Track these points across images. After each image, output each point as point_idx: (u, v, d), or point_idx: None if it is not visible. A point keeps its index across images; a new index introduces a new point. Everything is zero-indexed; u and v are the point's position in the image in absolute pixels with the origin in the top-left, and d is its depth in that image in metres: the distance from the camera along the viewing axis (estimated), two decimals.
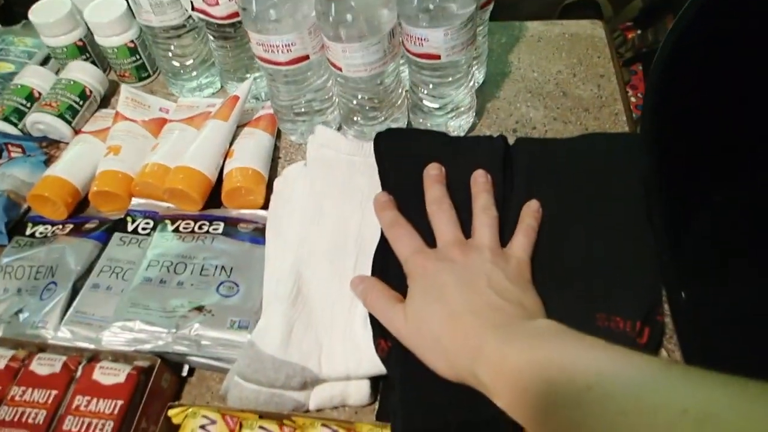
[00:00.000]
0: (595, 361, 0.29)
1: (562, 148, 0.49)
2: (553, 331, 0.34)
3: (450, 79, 0.51)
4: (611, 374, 0.28)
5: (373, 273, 0.43)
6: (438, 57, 0.48)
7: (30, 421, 0.38)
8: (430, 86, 0.52)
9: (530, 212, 0.44)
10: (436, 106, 0.53)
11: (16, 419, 0.38)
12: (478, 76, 0.61)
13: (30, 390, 0.39)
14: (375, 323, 0.40)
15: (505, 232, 0.43)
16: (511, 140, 0.51)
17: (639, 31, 0.96)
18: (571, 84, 0.61)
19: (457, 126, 0.55)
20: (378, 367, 0.39)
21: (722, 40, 0.46)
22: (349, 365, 0.39)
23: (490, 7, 0.55)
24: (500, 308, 0.36)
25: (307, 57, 0.50)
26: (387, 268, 0.43)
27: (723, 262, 0.46)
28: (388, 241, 0.43)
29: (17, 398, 0.39)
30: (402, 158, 0.49)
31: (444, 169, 0.47)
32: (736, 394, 0.25)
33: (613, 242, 0.42)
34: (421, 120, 0.55)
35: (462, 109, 0.54)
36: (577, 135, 0.53)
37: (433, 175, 0.46)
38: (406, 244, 0.42)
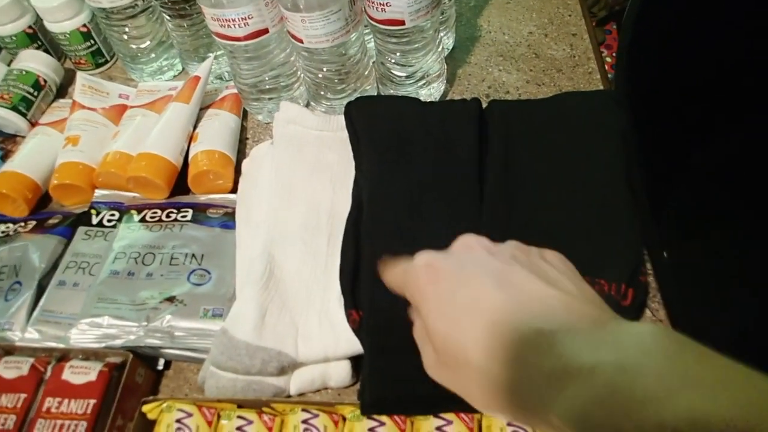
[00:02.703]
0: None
1: (537, 109, 0.48)
2: (676, 346, 0.21)
3: (417, 45, 0.49)
4: None
5: (343, 254, 0.42)
6: (402, 23, 0.46)
7: None
8: (397, 54, 0.50)
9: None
10: (405, 74, 0.51)
11: None
12: (447, 41, 0.59)
13: None
14: (346, 293, 0.39)
15: (485, 198, 0.42)
16: (484, 105, 0.49)
17: None
18: (543, 45, 0.59)
19: (428, 94, 0.53)
20: (356, 347, 0.38)
21: None
22: (326, 346, 0.38)
23: None
24: (556, 309, 0.24)
25: (266, 30, 0.47)
26: (359, 247, 0.42)
27: (703, 220, 0.45)
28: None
29: None
30: (374, 126, 0.47)
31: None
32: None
33: (593, 203, 0.41)
34: (391, 90, 0.53)
35: (432, 76, 0.52)
36: (551, 95, 0.51)
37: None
38: (391, 268, 0.31)
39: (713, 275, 0.43)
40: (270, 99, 0.54)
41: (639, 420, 0.19)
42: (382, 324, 0.36)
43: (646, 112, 0.46)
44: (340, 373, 0.39)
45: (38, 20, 0.60)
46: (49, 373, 0.39)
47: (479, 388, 0.24)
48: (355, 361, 0.39)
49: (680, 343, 0.21)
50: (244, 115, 0.57)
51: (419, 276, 0.28)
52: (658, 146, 0.45)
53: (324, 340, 0.38)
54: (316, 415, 0.35)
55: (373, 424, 0.34)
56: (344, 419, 0.35)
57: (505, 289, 0.25)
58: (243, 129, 0.56)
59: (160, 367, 0.42)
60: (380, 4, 0.45)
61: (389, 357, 0.36)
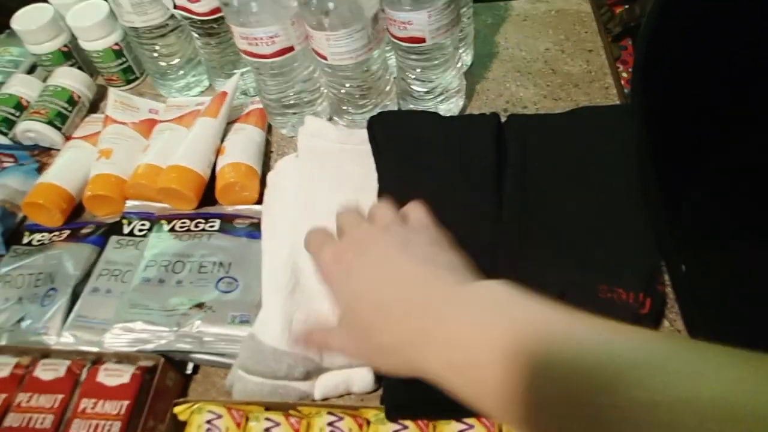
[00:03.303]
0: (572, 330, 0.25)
1: (554, 122, 0.49)
2: (505, 298, 0.28)
3: (437, 62, 0.51)
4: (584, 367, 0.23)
5: None
6: (423, 40, 0.48)
7: (38, 426, 0.38)
8: (418, 71, 0.51)
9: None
10: (425, 90, 0.53)
11: (23, 425, 0.38)
12: (466, 58, 0.60)
13: (36, 396, 0.40)
14: None
15: (504, 209, 0.43)
16: (503, 119, 0.51)
17: (626, 6, 0.95)
18: (559, 60, 0.61)
19: (447, 109, 0.55)
20: None
21: (708, 6, 0.46)
22: None
23: None
24: (428, 282, 0.30)
25: (291, 48, 0.49)
26: None
27: (720, 230, 0.46)
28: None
29: (23, 405, 0.39)
30: (396, 140, 0.49)
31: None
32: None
33: (609, 213, 0.42)
34: (411, 105, 0.55)
35: (451, 92, 0.54)
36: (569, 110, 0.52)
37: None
38: (314, 243, 0.36)
39: (730, 286, 0.44)
40: (294, 114, 0.56)
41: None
42: None
43: (662, 125, 0.46)
44: (363, 378, 0.40)
45: (73, 39, 0.63)
46: (84, 375, 0.40)
47: (370, 351, 0.32)
48: None
49: (517, 290, 0.28)
50: (269, 129, 0.59)
51: (326, 268, 0.35)
52: (674, 158, 0.46)
53: (338, 374, 0.40)
54: (341, 418, 0.36)
55: (396, 427, 0.35)
56: (368, 423, 0.36)
57: (386, 275, 0.32)
58: (268, 142, 0.57)
59: (189, 371, 0.43)
60: (402, 22, 0.47)
61: None
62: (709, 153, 0.48)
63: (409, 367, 0.29)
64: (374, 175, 0.49)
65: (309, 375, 0.40)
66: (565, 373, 0.23)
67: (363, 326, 0.32)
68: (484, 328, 0.27)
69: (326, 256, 0.35)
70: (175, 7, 0.54)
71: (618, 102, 0.56)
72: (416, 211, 0.37)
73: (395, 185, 0.46)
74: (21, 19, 0.61)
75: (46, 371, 0.41)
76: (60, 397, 0.39)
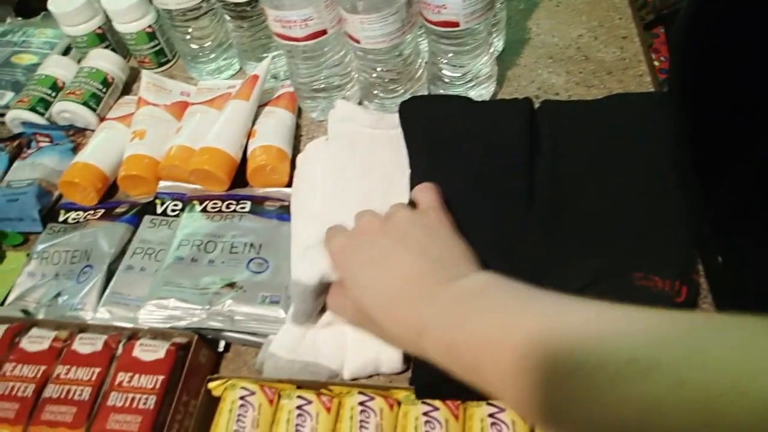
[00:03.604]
0: (532, 322, 0.27)
1: (588, 109, 0.49)
2: (492, 289, 0.31)
3: (469, 47, 0.50)
4: (552, 333, 0.26)
5: None
6: (457, 24, 0.47)
7: (76, 397, 0.39)
8: (450, 55, 0.51)
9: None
10: (457, 75, 0.52)
11: (62, 396, 0.39)
12: (498, 43, 0.60)
13: (74, 368, 0.41)
14: None
15: (536, 195, 0.43)
16: (535, 106, 0.50)
17: None
18: (592, 47, 0.60)
19: (477, 95, 0.55)
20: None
21: None
22: (367, 361, 0.41)
23: None
24: (422, 275, 0.33)
25: (324, 32, 0.49)
26: None
27: (758, 222, 0.45)
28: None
29: (62, 377, 0.40)
30: (427, 125, 0.49)
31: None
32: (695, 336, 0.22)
33: (645, 201, 0.41)
34: (441, 91, 0.54)
35: (482, 78, 0.54)
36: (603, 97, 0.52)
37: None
38: (328, 237, 0.40)
39: (765, 278, 0.43)
40: (324, 98, 0.56)
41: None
42: None
43: (699, 112, 0.46)
44: (392, 359, 0.41)
45: (107, 21, 0.64)
46: (120, 350, 0.42)
47: (380, 334, 0.36)
48: None
49: (497, 283, 0.31)
50: (299, 112, 0.59)
51: (334, 258, 0.38)
52: (711, 146, 0.45)
53: (369, 352, 0.40)
54: (372, 398, 0.36)
55: (427, 408, 0.35)
56: (399, 403, 0.37)
57: (385, 269, 0.35)
58: (298, 126, 0.58)
59: (221, 349, 0.44)
60: (436, 6, 0.46)
61: None
62: (747, 142, 0.47)
63: (417, 354, 0.32)
64: (405, 160, 0.49)
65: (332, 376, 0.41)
66: (544, 357, 0.25)
67: (370, 317, 0.35)
68: (467, 323, 0.29)
69: (334, 246, 0.38)
70: None
71: (652, 90, 0.55)
72: (425, 192, 0.40)
73: (426, 171, 0.46)
74: (57, 2, 0.62)
75: (84, 345, 0.42)
76: (97, 370, 0.40)
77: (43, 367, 0.41)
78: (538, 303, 0.29)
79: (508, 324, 0.28)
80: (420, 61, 0.54)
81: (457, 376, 0.30)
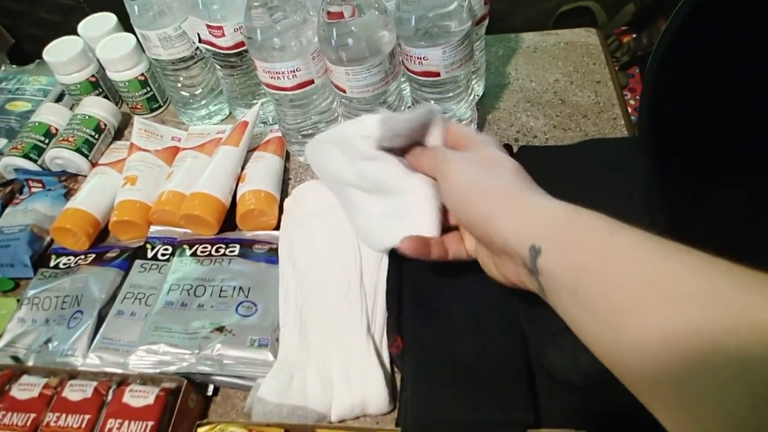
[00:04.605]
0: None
1: (565, 154, 0.51)
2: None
3: (450, 94, 0.53)
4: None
5: (388, 281, 0.45)
6: (438, 74, 0.50)
7: None
8: (432, 102, 0.53)
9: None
10: None
11: None
12: (478, 89, 0.62)
13: (64, 416, 0.41)
14: (392, 317, 0.43)
15: None
16: (515, 150, 0.52)
17: (634, 35, 0.98)
18: (568, 92, 0.62)
19: None
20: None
21: (715, 38, 0.47)
22: (354, 405, 0.42)
23: (486, 22, 0.57)
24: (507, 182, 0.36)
25: (312, 81, 0.52)
26: (401, 300, 0.45)
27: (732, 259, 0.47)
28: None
29: (52, 424, 0.41)
30: None
31: None
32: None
33: None
34: None
35: (463, 122, 0.56)
36: (578, 141, 0.54)
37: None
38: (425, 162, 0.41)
39: None
40: None
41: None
42: (426, 356, 0.40)
43: (669, 154, 0.48)
44: (378, 400, 0.41)
45: (101, 70, 0.66)
46: (110, 396, 0.42)
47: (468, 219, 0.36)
48: (391, 389, 0.42)
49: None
50: (287, 156, 0.61)
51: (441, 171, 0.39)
52: (682, 187, 0.47)
53: (353, 396, 0.41)
54: None
55: None
56: None
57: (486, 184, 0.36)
58: (286, 170, 0.59)
59: (210, 392, 0.45)
60: (418, 58, 0.49)
61: (431, 386, 0.38)
62: (719, 179, 0.49)
63: (489, 238, 0.34)
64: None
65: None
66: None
67: (460, 202, 0.36)
68: (539, 212, 0.33)
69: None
70: (200, 41, 0.57)
71: (626, 132, 0.57)
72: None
73: None
74: (52, 51, 0.64)
75: (74, 392, 0.42)
76: (87, 417, 0.41)
77: (33, 415, 0.41)
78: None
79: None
80: (404, 107, 0.56)
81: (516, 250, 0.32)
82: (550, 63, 0.66)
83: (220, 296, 0.48)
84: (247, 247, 0.52)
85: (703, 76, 0.49)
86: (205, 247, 0.52)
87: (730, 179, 0.50)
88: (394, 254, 0.47)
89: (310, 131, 0.57)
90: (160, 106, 0.69)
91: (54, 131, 0.63)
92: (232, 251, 0.51)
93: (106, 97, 0.68)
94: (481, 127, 0.60)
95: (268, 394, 0.41)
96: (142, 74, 0.65)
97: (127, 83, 0.65)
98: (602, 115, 0.59)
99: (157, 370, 0.44)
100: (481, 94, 0.63)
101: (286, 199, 0.55)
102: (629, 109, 0.62)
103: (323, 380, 0.42)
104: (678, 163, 0.49)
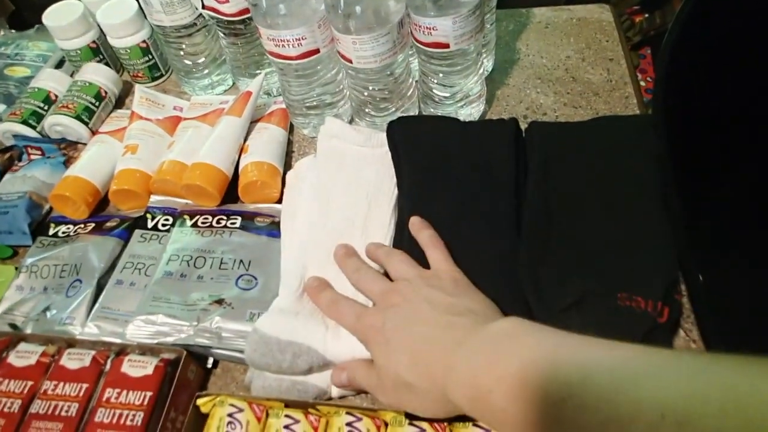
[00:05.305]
0: (566, 367, 0.28)
1: (575, 131, 0.50)
2: (518, 332, 0.33)
3: (459, 67, 0.51)
4: (584, 380, 0.27)
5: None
6: (447, 46, 0.48)
7: (63, 413, 0.39)
8: (440, 75, 0.52)
9: (417, 227, 0.44)
10: (447, 95, 0.53)
11: (49, 412, 0.39)
12: (487, 64, 0.61)
13: (61, 384, 0.41)
14: None
15: (523, 217, 0.44)
16: (522, 127, 0.51)
17: (646, 15, 0.95)
18: (580, 69, 0.61)
19: (467, 114, 0.56)
20: None
21: (729, 19, 0.46)
22: (354, 345, 0.40)
23: None
24: (452, 325, 0.35)
25: (317, 51, 0.50)
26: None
27: (740, 243, 0.46)
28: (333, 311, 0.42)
29: (49, 392, 0.40)
30: (415, 145, 0.49)
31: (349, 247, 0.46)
32: (724, 387, 0.24)
33: (629, 222, 0.42)
34: (432, 109, 0.55)
35: (472, 97, 0.55)
36: (589, 119, 0.53)
37: (341, 253, 0.45)
38: (347, 313, 0.41)
39: (747, 297, 0.44)
40: (315, 115, 0.57)
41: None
42: None
43: (684, 134, 0.47)
44: None
45: (102, 36, 0.64)
46: (108, 365, 0.42)
47: (401, 393, 0.36)
48: None
49: (523, 327, 0.33)
50: (291, 129, 0.59)
51: (366, 333, 0.39)
52: (695, 168, 0.46)
53: (352, 339, 0.40)
54: (360, 419, 0.37)
55: (414, 430, 0.36)
56: (386, 425, 0.37)
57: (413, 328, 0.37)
58: (290, 142, 0.58)
59: (209, 365, 0.44)
60: (427, 28, 0.47)
61: None
62: (731, 163, 0.48)
63: (437, 406, 0.35)
64: (390, 179, 0.49)
65: (312, 369, 0.41)
66: (567, 395, 0.27)
67: (398, 373, 0.36)
68: (495, 364, 0.31)
69: (365, 323, 0.39)
70: (204, 7, 0.55)
71: (637, 111, 0.56)
72: (436, 252, 0.42)
73: (414, 191, 0.47)
74: (52, 15, 0.63)
75: (72, 360, 0.42)
76: (85, 386, 0.40)
77: (30, 383, 0.41)
78: (563, 340, 0.31)
79: (537, 360, 0.29)
80: (411, 80, 0.54)
81: (476, 412, 0.32)
82: (561, 39, 0.64)
83: (220, 268, 0.47)
84: (248, 220, 0.51)
85: (718, 57, 0.48)
86: (206, 218, 0.51)
87: (743, 161, 0.49)
88: (399, 227, 0.46)
89: (315, 103, 0.56)
90: (161, 75, 0.67)
91: (53, 98, 0.62)
92: (234, 223, 0.51)
93: (107, 64, 0.66)
94: (489, 103, 0.58)
95: (265, 326, 0.41)
96: (144, 41, 0.63)
97: (128, 50, 0.63)
98: (614, 93, 0.58)
99: (155, 341, 0.43)
100: (490, 69, 0.62)
101: (289, 172, 0.54)
102: (641, 90, 0.61)
103: (325, 322, 0.42)
104: (692, 145, 0.48)
